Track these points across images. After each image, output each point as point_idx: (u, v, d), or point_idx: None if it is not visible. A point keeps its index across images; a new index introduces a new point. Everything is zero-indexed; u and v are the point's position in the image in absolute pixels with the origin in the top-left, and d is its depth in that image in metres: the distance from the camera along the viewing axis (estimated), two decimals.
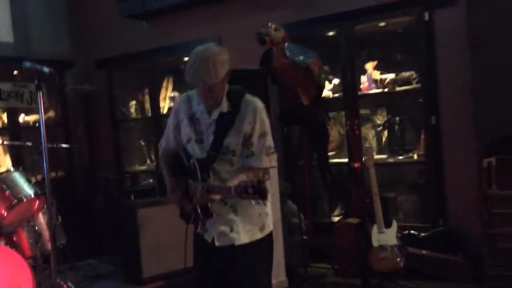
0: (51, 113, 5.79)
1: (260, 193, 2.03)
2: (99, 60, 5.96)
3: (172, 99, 5.76)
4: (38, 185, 3.49)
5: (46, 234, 3.49)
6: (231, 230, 2.32)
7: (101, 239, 4.91)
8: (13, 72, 5.31)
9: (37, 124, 5.43)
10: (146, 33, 5.64)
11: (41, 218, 3.50)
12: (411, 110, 4.69)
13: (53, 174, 5.33)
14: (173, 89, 5.80)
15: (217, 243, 2.34)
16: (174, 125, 2.45)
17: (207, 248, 2.37)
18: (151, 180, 5.96)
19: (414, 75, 4.44)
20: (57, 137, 5.45)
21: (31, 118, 5.63)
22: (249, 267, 2.34)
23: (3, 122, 5.39)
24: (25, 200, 3.27)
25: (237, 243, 2.32)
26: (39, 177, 4.07)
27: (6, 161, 5.50)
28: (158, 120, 5.72)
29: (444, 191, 4.22)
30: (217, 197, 2.27)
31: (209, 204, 2.27)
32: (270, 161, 2.33)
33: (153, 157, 5.94)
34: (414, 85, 4.42)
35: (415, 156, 4.47)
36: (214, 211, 2.29)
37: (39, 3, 5.73)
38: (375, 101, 4.85)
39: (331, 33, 4.82)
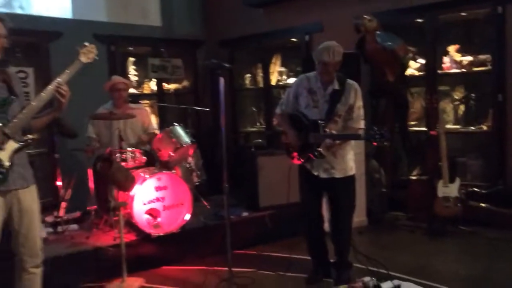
0: (185, 83, 7.12)
1: (385, 138, 3.04)
2: (223, 40, 7.06)
3: (280, 73, 6.78)
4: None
5: (195, 171, 4.88)
6: (332, 168, 3.47)
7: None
8: (160, 49, 6.58)
9: (172, 91, 6.76)
10: (262, 18, 6.63)
11: (192, 160, 4.86)
12: (484, 88, 5.30)
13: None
14: (281, 65, 6.79)
15: (322, 176, 3.48)
16: (294, 95, 3.56)
17: (313, 179, 3.52)
18: (260, 140, 7.24)
19: (490, 58, 5.05)
20: (188, 102, 6.79)
21: (171, 86, 6.99)
22: (344, 191, 3.51)
23: (151, 89, 6.73)
24: (184, 146, 4.48)
25: (336, 176, 3.47)
26: None
27: (152, 119, 6.98)
28: (267, 90, 6.75)
29: (505, 157, 4.92)
30: (337, 142, 3.34)
31: (321, 149, 3.35)
32: (362, 124, 3.47)
33: (262, 121, 7.03)
34: (488, 67, 5.05)
35: (485, 127, 5.16)
36: (324, 154, 3.38)
37: None
38: (454, 79, 5.52)
39: (418, 20, 5.47)
